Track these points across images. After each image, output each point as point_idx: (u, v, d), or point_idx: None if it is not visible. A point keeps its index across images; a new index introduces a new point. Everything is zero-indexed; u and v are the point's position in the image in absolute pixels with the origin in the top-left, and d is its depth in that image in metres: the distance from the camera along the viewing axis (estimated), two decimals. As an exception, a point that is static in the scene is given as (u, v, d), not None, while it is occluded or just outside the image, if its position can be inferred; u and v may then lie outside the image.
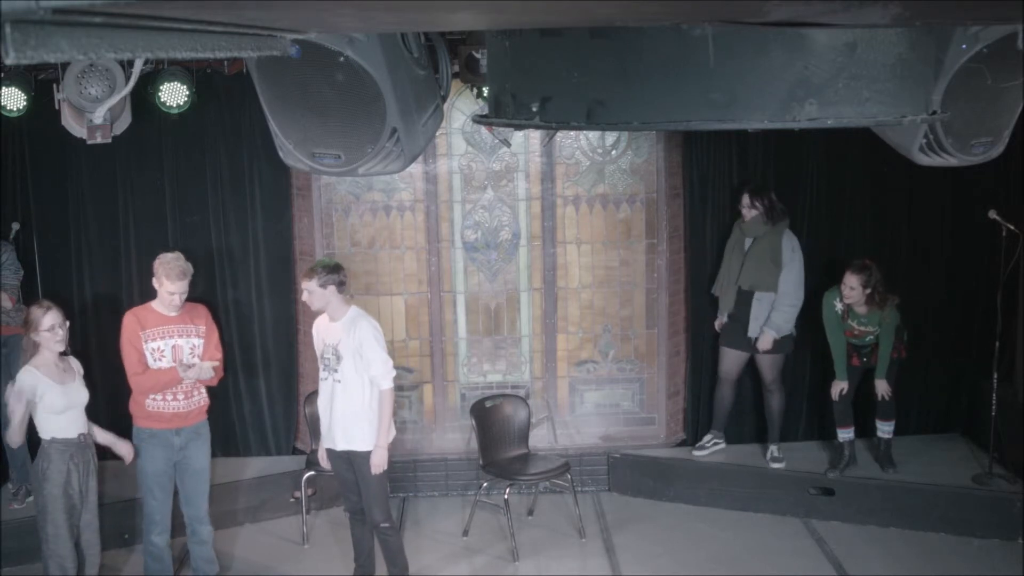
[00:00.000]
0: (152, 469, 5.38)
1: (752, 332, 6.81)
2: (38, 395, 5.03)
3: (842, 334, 6.59)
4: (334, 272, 5.28)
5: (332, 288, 5.25)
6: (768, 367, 6.89)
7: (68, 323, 5.16)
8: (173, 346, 5.36)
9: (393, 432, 5.54)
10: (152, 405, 5.35)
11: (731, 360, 7.00)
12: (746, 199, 6.77)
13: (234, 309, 7.02)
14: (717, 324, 7.06)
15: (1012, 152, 3.78)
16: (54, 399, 5.05)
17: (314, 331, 5.56)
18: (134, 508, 6.35)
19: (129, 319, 5.38)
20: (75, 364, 5.28)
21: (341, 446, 5.39)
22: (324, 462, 5.60)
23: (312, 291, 5.26)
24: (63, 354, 5.17)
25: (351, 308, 5.39)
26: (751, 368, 7.04)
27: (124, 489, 6.57)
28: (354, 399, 5.30)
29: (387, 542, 5.54)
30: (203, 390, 5.52)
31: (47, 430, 5.09)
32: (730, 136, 6.83)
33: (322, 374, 5.42)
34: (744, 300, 6.83)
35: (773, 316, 6.75)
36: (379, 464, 5.34)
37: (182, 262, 5.33)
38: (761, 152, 7.09)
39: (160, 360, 5.34)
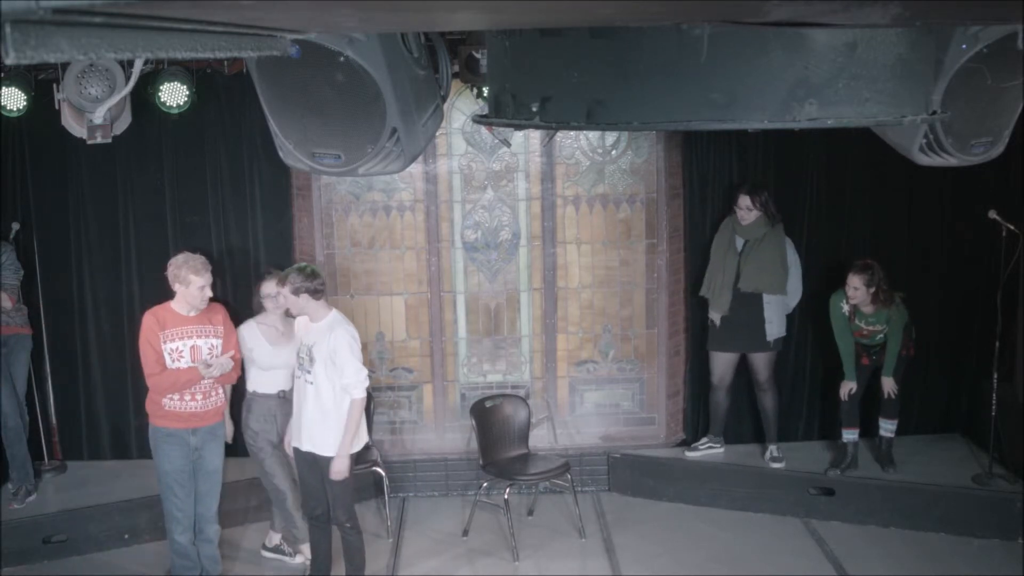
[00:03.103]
0: (170, 468, 5.39)
1: (770, 335, 6.80)
2: (247, 348, 5.72)
3: (850, 335, 6.59)
4: (309, 279, 5.24)
5: (305, 296, 5.24)
6: (763, 366, 6.89)
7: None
8: (192, 346, 5.36)
9: (365, 438, 5.54)
10: (169, 405, 5.34)
11: (723, 364, 6.99)
12: (746, 201, 6.70)
13: (233, 309, 7.01)
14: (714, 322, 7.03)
15: (1012, 152, 3.78)
16: (261, 357, 5.73)
17: (295, 328, 5.57)
18: (134, 508, 6.36)
19: (149, 319, 5.36)
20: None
21: (306, 446, 5.39)
22: (288, 449, 5.69)
23: (286, 297, 5.29)
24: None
25: (331, 312, 5.37)
26: (744, 368, 7.03)
27: (124, 489, 6.58)
28: (323, 403, 5.28)
29: (349, 541, 5.53)
30: (220, 390, 5.53)
31: (251, 383, 5.81)
32: (730, 136, 6.83)
33: (296, 372, 5.43)
34: (745, 303, 6.79)
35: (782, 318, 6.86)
36: (340, 471, 5.32)
37: (200, 256, 5.41)
38: (761, 152, 7.09)
39: (178, 360, 5.33)
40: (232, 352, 5.50)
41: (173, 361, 5.33)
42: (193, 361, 5.35)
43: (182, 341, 5.35)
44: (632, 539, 6.53)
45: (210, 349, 5.41)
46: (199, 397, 5.39)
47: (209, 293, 5.39)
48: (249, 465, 7.06)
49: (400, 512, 6.96)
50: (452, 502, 7.11)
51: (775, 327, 6.80)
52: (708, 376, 7.20)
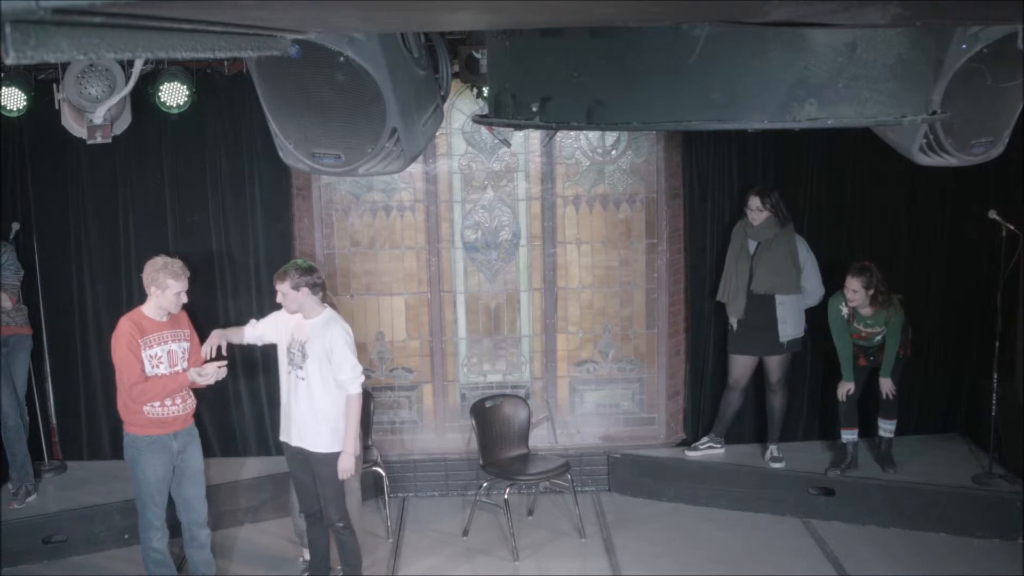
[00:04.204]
0: (155, 476, 5.31)
1: (783, 336, 6.79)
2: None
3: (849, 337, 6.59)
4: (307, 274, 5.22)
5: (305, 290, 5.20)
6: (776, 367, 6.89)
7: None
8: (168, 351, 5.31)
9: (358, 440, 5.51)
10: (152, 412, 5.25)
11: (742, 366, 6.98)
12: (756, 202, 6.69)
13: (234, 309, 7.01)
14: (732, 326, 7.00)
15: (1012, 152, 3.78)
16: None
17: (281, 322, 5.43)
18: (134, 508, 6.35)
19: (127, 324, 5.24)
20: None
21: (295, 442, 5.36)
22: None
23: (286, 293, 5.22)
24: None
25: (326, 310, 5.35)
26: (758, 369, 7.02)
27: (124, 489, 6.57)
28: (316, 400, 5.25)
29: (342, 541, 5.51)
30: (191, 393, 5.46)
31: None
32: (730, 136, 6.83)
33: (286, 367, 5.35)
34: (759, 305, 6.79)
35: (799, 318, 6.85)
36: (347, 469, 5.30)
37: (177, 260, 5.32)
38: (761, 152, 7.09)
39: (157, 367, 5.25)
40: (225, 361, 5.45)
41: (153, 367, 5.24)
42: (171, 366, 5.29)
43: (160, 347, 5.28)
44: (632, 539, 6.54)
45: (183, 353, 5.36)
46: (179, 401, 5.32)
47: (184, 299, 5.30)
48: (248, 464, 7.08)
49: (400, 512, 6.96)
50: (452, 502, 7.11)
51: (789, 328, 6.79)
52: (710, 376, 7.21)
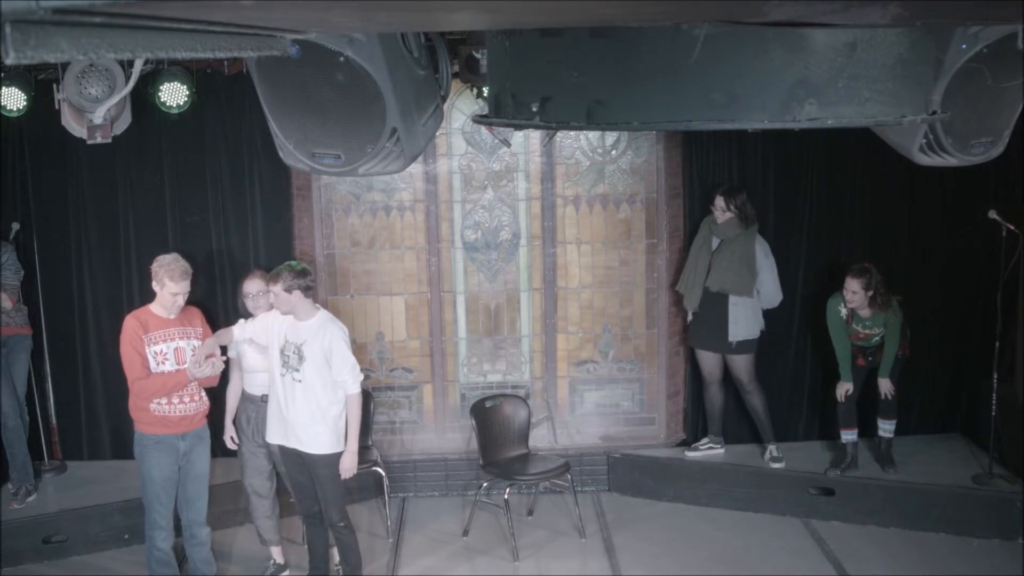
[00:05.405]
0: (160, 475, 5.31)
1: (733, 336, 6.80)
2: (239, 352, 5.68)
3: (847, 338, 6.59)
4: (301, 277, 5.19)
5: (298, 293, 5.17)
6: (742, 369, 6.88)
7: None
8: (175, 348, 5.30)
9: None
10: (159, 410, 5.25)
11: (704, 361, 7.01)
12: (721, 202, 6.73)
13: (233, 309, 7.00)
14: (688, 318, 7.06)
15: (1012, 152, 3.78)
16: (251, 360, 5.61)
17: (273, 324, 5.39)
18: (134, 508, 6.35)
19: (131, 322, 5.27)
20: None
21: (292, 444, 5.34)
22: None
23: (277, 295, 5.19)
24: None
25: (320, 311, 5.34)
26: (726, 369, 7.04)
27: (124, 489, 6.58)
28: (313, 402, 5.23)
29: (343, 541, 5.51)
30: (204, 393, 5.46)
31: (246, 384, 5.74)
32: (730, 136, 6.83)
33: (279, 370, 5.29)
34: (713, 302, 6.80)
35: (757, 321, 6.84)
36: (349, 468, 5.31)
37: (183, 262, 5.28)
38: (761, 152, 7.09)
39: (163, 363, 5.26)
40: (224, 356, 5.45)
41: (158, 364, 5.25)
42: (178, 364, 5.28)
43: (166, 344, 5.28)
44: (632, 539, 6.54)
45: (193, 351, 5.35)
46: (187, 400, 5.32)
47: (182, 302, 5.29)
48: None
49: (400, 512, 6.96)
50: (452, 502, 7.11)
51: (740, 328, 6.79)
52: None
